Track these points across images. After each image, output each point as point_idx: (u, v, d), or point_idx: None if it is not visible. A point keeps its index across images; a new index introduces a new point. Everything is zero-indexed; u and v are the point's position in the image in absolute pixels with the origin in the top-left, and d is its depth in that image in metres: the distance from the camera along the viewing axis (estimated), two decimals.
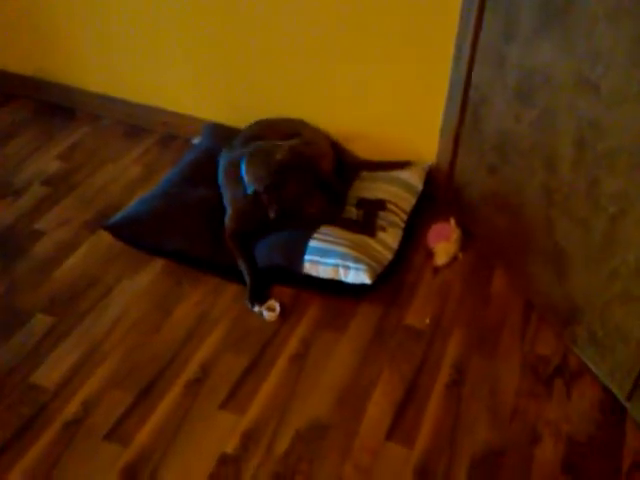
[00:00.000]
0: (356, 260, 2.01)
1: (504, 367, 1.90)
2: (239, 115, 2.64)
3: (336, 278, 2.03)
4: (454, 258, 2.22)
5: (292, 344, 1.95)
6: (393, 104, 2.38)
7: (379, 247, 2.11)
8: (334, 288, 2.07)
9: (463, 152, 2.28)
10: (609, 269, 1.73)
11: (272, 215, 2.04)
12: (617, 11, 1.52)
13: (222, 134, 2.57)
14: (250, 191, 2.06)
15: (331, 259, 2.02)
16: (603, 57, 1.59)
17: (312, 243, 2.06)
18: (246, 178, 2.11)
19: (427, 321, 2.03)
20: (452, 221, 2.26)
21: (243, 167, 2.13)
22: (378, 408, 1.79)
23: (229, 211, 2.19)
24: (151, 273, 2.14)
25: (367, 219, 2.17)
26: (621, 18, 1.51)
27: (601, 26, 1.57)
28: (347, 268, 2.00)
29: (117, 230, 2.19)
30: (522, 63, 1.87)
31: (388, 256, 2.11)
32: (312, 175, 2.07)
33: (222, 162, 2.30)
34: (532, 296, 2.08)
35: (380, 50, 2.29)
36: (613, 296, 1.74)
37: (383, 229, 2.15)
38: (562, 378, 1.88)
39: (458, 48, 2.11)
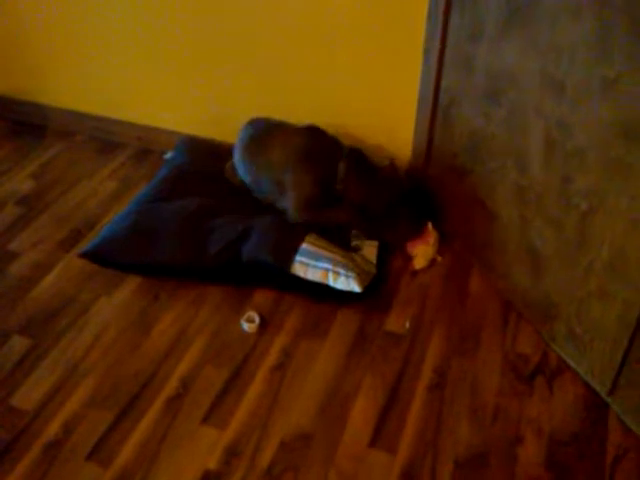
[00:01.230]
0: (347, 267, 2.02)
1: (485, 367, 1.91)
2: (215, 127, 2.64)
3: (324, 282, 2.03)
4: (432, 261, 2.22)
5: (272, 354, 1.94)
6: (367, 110, 2.39)
7: (362, 260, 2.13)
8: (319, 292, 2.07)
9: (436, 154, 2.28)
10: (584, 265, 1.74)
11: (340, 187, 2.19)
12: (578, 6, 1.53)
13: (195, 147, 2.56)
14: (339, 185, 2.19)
15: (322, 263, 2.03)
16: (566, 54, 1.60)
17: (304, 246, 2.07)
18: (343, 181, 2.18)
19: (407, 326, 2.03)
20: (429, 225, 2.26)
21: (341, 168, 2.19)
22: (361, 415, 1.78)
23: (294, 196, 2.21)
24: (128, 289, 2.13)
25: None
26: (582, 12, 1.52)
27: (563, 21, 1.58)
28: (337, 274, 2.01)
29: (93, 256, 2.17)
30: (489, 63, 1.88)
31: (372, 269, 2.12)
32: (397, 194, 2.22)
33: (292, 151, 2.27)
34: (510, 295, 2.09)
35: (351, 58, 2.29)
36: (589, 292, 1.75)
37: (358, 249, 2.19)
38: (543, 376, 1.89)
39: (426, 52, 2.12)
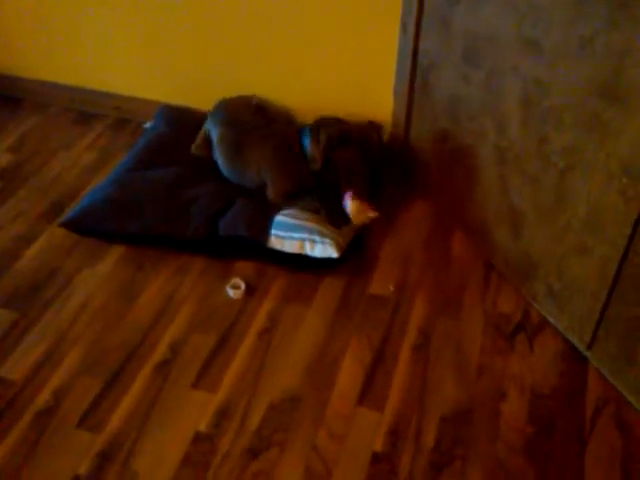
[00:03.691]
0: (322, 234, 2.03)
1: (468, 327, 1.94)
2: (192, 95, 2.62)
3: (302, 252, 2.04)
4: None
5: (259, 319, 1.96)
6: (347, 74, 2.39)
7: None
8: (299, 263, 2.08)
9: (417, 118, 2.30)
10: (562, 223, 1.78)
11: (317, 167, 2.13)
12: None
13: (175, 116, 2.55)
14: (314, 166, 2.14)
15: (297, 233, 2.03)
16: (543, 15, 1.61)
17: (278, 218, 2.08)
18: (312, 151, 2.14)
19: (391, 288, 2.06)
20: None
21: (307, 135, 2.16)
22: (348, 375, 1.82)
23: (274, 181, 2.20)
24: (112, 259, 2.13)
25: (330, 210, 2.15)
26: None
27: None
28: (313, 242, 2.02)
29: (74, 225, 2.17)
30: (467, 26, 1.89)
31: (351, 232, 2.13)
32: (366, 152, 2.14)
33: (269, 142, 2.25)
34: (491, 256, 2.12)
35: (329, 23, 2.29)
36: (567, 249, 1.79)
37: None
38: (524, 333, 1.93)
39: (404, 15, 2.12)
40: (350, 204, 2.09)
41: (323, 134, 2.10)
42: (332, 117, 2.23)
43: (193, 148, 2.40)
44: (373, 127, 2.22)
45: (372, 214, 2.12)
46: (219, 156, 2.30)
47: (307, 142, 2.16)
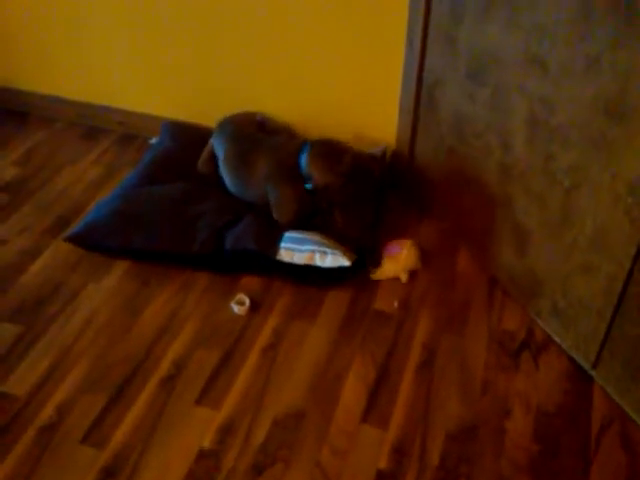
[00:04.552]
0: (331, 247, 2.05)
1: (472, 344, 1.94)
2: (196, 111, 2.64)
3: (312, 264, 2.05)
4: (396, 277, 2.13)
5: (264, 335, 1.96)
6: (352, 92, 2.40)
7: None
8: (307, 275, 2.08)
9: (422, 135, 2.31)
10: (568, 241, 1.78)
11: (324, 205, 2.12)
12: None
13: (180, 132, 2.56)
14: (310, 186, 2.12)
15: (307, 246, 2.05)
16: (548, 32, 1.62)
17: (288, 233, 2.10)
18: (308, 171, 2.12)
19: (395, 304, 2.06)
20: (408, 242, 2.15)
21: (304, 160, 2.12)
22: (352, 392, 1.81)
23: (281, 202, 2.18)
24: (117, 275, 2.13)
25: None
26: None
27: (544, 0, 1.61)
28: (324, 253, 2.03)
29: (79, 239, 2.18)
30: (472, 44, 1.90)
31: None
32: (370, 188, 2.13)
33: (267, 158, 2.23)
34: (496, 272, 2.12)
35: (335, 39, 2.30)
36: (573, 267, 1.79)
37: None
38: (529, 351, 1.92)
39: (410, 32, 2.14)
40: (406, 252, 2.11)
41: (320, 180, 2.09)
42: (329, 141, 2.17)
43: (199, 165, 2.41)
44: (372, 159, 2.20)
45: (403, 279, 2.13)
46: (225, 172, 2.31)
47: (303, 160, 2.13)
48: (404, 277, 2.12)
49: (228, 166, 2.29)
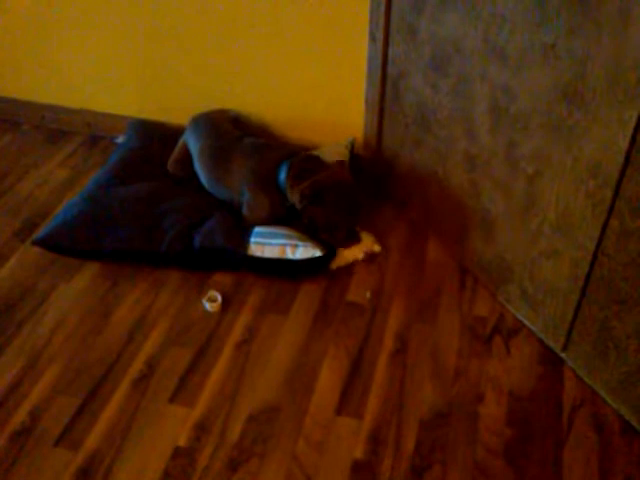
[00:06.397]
0: (302, 239, 2.06)
1: (444, 332, 1.96)
2: (164, 110, 2.62)
3: (283, 257, 2.05)
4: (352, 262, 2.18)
5: (236, 331, 1.96)
6: (318, 86, 2.40)
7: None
8: (278, 268, 2.09)
9: (388, 126, 2.32)
10: (533, 227, 1.80)
11: (305, 221, 2.12)
12: None
13: (147, 130, 2.55)
14: (289, 203, 2.13)
15: (277, 239, 2.05)
16: (506, 22, 1.64)
17: (257, 228, 2.10)
18: (287, 186, 2.11)
19: (368, 295, 2.07)
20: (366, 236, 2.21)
21: (282, 179, 2.12)
22: (326, 384, 1.82)
23: (254, 207, 2.18)
24: (86, 277, 2.12)
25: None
26: None
27: None
28: (295, 246, 2.04)
29: (47, 242, 2.15)
30: (433, 34, 1.92)
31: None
32: (349, 204, 2.12)
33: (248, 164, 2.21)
34: (465, 260, 2.14)
35: (298, 35, 2.30)
36: (539, 252, 1.82)
37: None
38: (500, 336, 1.95)
39: (372, 25, 2.14)
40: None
41: (296, 193, 2.08)
42: (305, 156, 2.17)
43: (169, 164, 2.39)
44: (344, 166, 2.20)
45: (377, 248, 2.18)
46: (200, 168, 2.30)
47: (282, 176, 2.13)
48: (361, 256, 2.16)
49: (203, 162, 2.28)
